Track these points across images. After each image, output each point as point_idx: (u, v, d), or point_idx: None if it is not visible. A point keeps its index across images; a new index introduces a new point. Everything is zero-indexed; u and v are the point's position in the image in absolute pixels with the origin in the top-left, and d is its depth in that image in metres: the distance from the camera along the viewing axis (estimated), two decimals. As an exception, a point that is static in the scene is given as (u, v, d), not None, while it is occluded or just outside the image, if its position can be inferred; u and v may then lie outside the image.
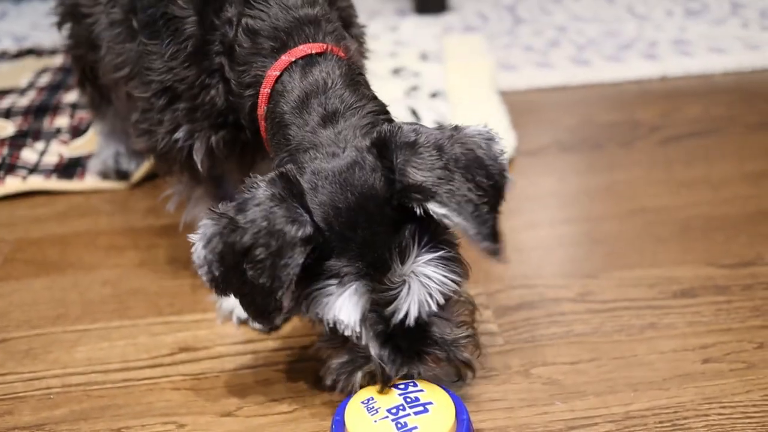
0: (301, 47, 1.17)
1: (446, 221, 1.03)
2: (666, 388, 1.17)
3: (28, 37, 2.85)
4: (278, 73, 1.16)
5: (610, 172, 1.84)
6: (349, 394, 1.09)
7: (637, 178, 1.81)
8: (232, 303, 1.31)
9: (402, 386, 1.08)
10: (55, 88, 2.22)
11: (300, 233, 1.00)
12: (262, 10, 1.19)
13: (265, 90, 1.17)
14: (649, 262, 1.48)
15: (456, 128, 1.11)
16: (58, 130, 1.97)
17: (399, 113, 1.92)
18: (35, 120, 2.03)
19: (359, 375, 1.11)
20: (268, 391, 1.21)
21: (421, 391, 1.07)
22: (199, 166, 1.29)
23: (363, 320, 1.04)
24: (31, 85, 2.25)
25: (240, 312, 1.30)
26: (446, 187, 1.03)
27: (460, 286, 1.10)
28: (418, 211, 1.03)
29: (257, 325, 1.29)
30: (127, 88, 1.35)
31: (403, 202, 1.04)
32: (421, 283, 1.04)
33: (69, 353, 1.31)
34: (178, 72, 1.24)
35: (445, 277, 1.06)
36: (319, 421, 1.15)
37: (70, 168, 1.85)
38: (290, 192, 1.03)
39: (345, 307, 1.03)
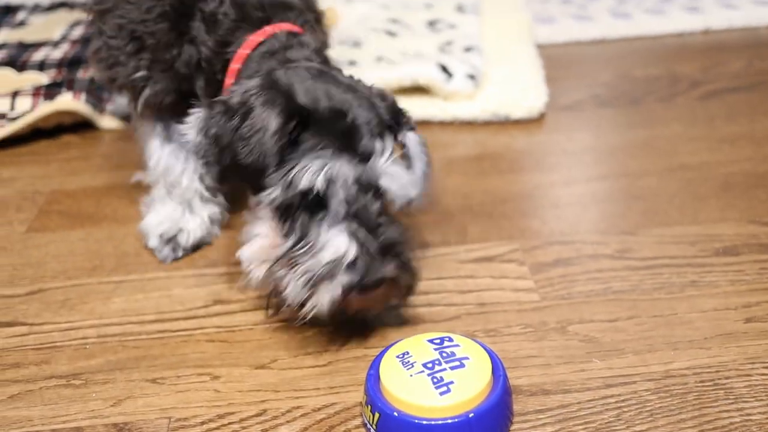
0: (283, 24, 1.29)
1: (411, 150, 1.20)
2: (707, 347, 1.15)
3: (60, -11, 2.84)
4: (261, 39, 1.26)
5: (648, 127, 1.80)
6: (382, 353, 1.08)
7: (677, 133, 1.77)
8: (149, 224, 1.44)
9: (437, 341, 1.07)
10: (88, 40, 2.20)
11: (286, 109, 1.10)
12: None
13: (244, 51, 1.26)
14: (690, 220, 1.45)
15: None
16: (92, 81, 1.96)
17: (430, 69, 1.89)
18: (69, 72, 2.02)
19: (332, 286, 1.09)
20: (301, 344, 1.21)
21: (457, 346, 1.06)
22: (140, 108, 1.38)
23: (356, 182, 1.11)
24: (64, 38, 2.24)
25: (153, 241, 1.43)
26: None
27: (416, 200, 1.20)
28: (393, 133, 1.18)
29: (164, 254, 1.41)
30: (99, 22, 1.38)
31: (394, 116, 1.19)
32: (395, 180, 1.14)
33: (105, 304, 1.32)
34: (149, 26, 1.31)
35: (411, 185, 1.17)
36: (353, 374, 1.14)
37: (98, 89, 1.92)
38: (277, 82, 1.15)
39: (342, 169, 1.11)
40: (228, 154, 1.12)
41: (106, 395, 1.14)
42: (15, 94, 1.87)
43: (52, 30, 2.32)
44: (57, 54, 2.12)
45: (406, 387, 1.00)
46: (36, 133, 1.86)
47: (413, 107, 1.85)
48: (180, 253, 1.42)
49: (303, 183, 1.10)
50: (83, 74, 2.00)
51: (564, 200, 1.55)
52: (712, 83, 1.99)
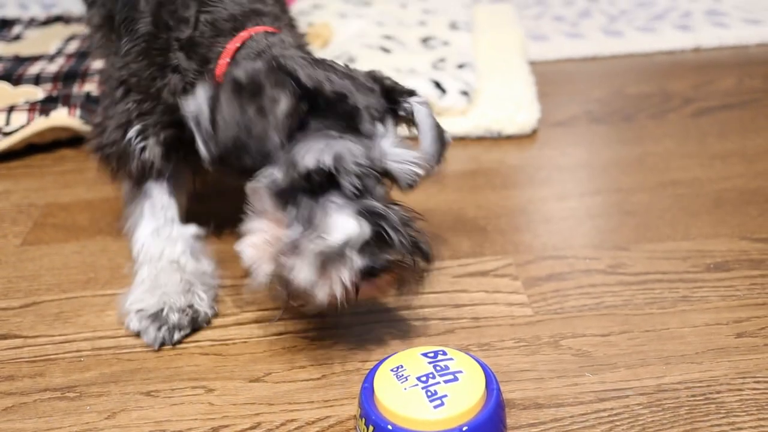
0: (257, 27, 1.29)
1: (420, 121, 1.22)
2: (699, 361, 1.16)
3: (57, 3, 2.86)
4: (239, 45, 1.25)
5: (641, 143, 1.82)
6: (377, 367, 1.09)
7: (669, 150, 1.78)
8: (130, 302, 1.29)
9: (432, 354, 1.07)
10: (83, 54, 2.22)
11: (296, 91, 1.10)
12: (217, 6, 1.30)
13: (224, 60, 1.24)
14: (682, 235, 1.46)
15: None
16: (88, 96, 1.96)
17: (423, 86, 1.90)
18: (64, 86, 2.03)
19: (344, 269, 1.06)
20: (295, 357, 1.22)
21: (451, 359, 1.06)
22: (150, 159, 1.34)
23: (365, 160, 1.11)
24: (59, 52, 2.26)
25: (133, 320, 1.27)
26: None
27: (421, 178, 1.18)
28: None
29: (149, 338, 1.25)
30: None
31: (391, 94, 1.20)
32: (400, 161, 1.15)
33: (99, 317, 1.32)
34: (131, 66, 1.32)
35: (417, 164, 1.16)
36: (348, 388, 1.15)
37: (92, 102, 1.90)
38: (281, 66, 1.14)
39: (350, 148, 1.10)
40: (232, 131, 1.09)
41: (101, 408, 1.14)
42: (10, 110, 1.88)
43: (48, 44, 2.33)
44: (53, 68, 2.13)
45: (401, 400, 1.01)
46: (31, 146, 1.87)
47: (407, 123, 1.88)
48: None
49: (310, 162, 1.08)
50: (79, 88, 2.01)
51: (557, 215, 1.56)
52: (704, 100, 2.01)
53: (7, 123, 1.85)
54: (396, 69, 2.05)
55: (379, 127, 1.15)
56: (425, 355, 1.08)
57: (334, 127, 1.11)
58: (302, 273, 1.06)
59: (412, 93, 1.24)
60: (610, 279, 1.35)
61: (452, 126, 1.87)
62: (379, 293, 1.15)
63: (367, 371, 1.09)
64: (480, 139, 1.87)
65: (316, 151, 1.09)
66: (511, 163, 1.78)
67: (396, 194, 1.20)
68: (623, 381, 1.13)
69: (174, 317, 1.25)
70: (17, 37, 2.44)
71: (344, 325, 1.28)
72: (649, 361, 1.16)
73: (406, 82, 1.90)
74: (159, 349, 1.24)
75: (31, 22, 2.57)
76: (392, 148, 1.15)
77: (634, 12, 2.57)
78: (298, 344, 1.24)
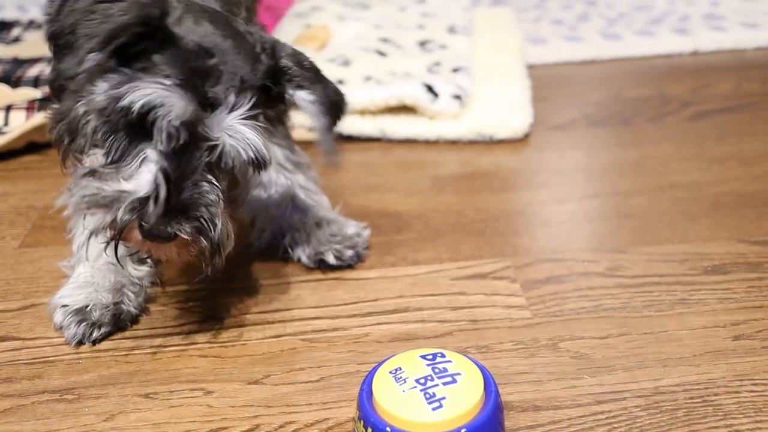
0: None
1: (310, 108, 1.15)
2: (696, 364, 1.16)
3: (55, 6, 2.86)
4: None
5: (639, 147, 1.82)
6: (375, 369, 1.09)
7: (667, 153, 1.79)
8: (59, 296, 1.29)
9: (430, 357, 1.07)
10: (82, 56, 2.22)
11: (142, 17, 1.04)
12: None
13: None
14: (680, 238, 1.46)
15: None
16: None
17: (415, 89, 1.90)
18: (63, 88, 2.03)
19: (106, 215, 1.07)
20: (294, 360, 1.22)
21: (450, 362, 1.06)
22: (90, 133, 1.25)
23: (183, 124, 1.06)
24: (58, 54, 2.26)
25: (57, 315, 1.27)
26: (318, 85, 1.16)
27: (264, 165, 1.13)
28: (275, 90, 1.15)
29: (69, 334, 1.25)
30: None
31: (278, 76, 1.14)
32: (234, 138, 1.09)
33: (97, 319, 1.32)
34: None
35: (256, 143, 1.10)
36: (346, 390, 1.15)
37: None
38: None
39: (172, 102, 1.05)
40: (72, 19, 1.07)
41: (99, 410, 1.14)
42: (8, 109, 1.88)
43: (46, 46, 2.33)
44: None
45: (399, 402, 1.01)
46: (29, 148, 1.87)
47: (400, 125, 1.88)
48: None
49: (126, 100, 1.04)
50: (78, 90, 2.01)
51: (555, 218, 1.56)
52: (702, 104, 2.01)
53: (6, 123, 1.86)
54: (391, 72, 2.06)
55: (232, 97, 1.09)
56: (424, 357, 1.08)
57: (174, 76, 1.06)
58: (76, 197, 1.11)
59: (301, 87, 1.16)
60: (608, 282, 1.35)
61: (444, 129, 1.87)
62: (165, 256, 1.15)
63: (366, 373, 1.09)
64: (472, 143, 1.87)
65: (136, 91, 1.04)
66: (510, 166, 1.78)
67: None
68: (621, 383, 1.13)
69: (96, 314, 1.25)
70: (16, 40, 2.45)
71: (342, 327, 1.28)
72: (647, 364, 1.17)
73: (398, 85, 1.93)
74: (157, 352, 1.24)
75: (30, 25, 2.57)
76: (234, 121, 1.09)
77: (633, 16, 2.58)
78: (297, 346, 1.24)
